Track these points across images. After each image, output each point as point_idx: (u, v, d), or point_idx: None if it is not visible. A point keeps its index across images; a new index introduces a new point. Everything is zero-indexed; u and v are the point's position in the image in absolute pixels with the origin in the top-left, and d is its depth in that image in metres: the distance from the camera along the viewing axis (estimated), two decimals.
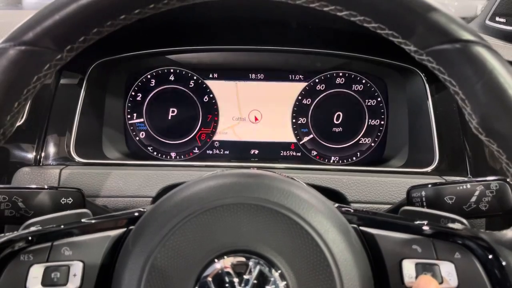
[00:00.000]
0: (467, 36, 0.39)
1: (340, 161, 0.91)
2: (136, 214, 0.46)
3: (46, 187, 0.57)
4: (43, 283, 0.41)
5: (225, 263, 0.40)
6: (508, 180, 0.54)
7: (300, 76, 0.90)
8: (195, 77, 0.90)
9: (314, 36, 0.85)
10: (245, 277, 0.40)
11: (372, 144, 0.91)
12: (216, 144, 0.92)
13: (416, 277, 0.42)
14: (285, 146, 0.92)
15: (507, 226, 0.45)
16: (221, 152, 0.92)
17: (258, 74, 0.90)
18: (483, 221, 0.68)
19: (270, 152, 0.92)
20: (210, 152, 0.92)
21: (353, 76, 0.90)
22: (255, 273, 0.39)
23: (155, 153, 0.91)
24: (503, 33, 1.07)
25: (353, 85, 0.90)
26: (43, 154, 0.80)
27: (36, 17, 0.40)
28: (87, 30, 0.41)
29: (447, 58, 0.40)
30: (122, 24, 0.41)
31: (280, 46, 0.87)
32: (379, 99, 0.90)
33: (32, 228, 0.45)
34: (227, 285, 0.39)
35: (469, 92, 0.40)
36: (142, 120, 0.91)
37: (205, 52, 0.89)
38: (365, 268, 0.42)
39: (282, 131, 0.91)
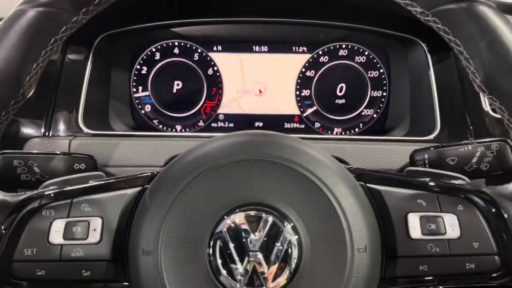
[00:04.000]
0: None
1: (343, 133, 0.93)
2: (151, 174, 0.47)
3: (59, 152, 0.59)
4: (64, 237, 0.43)
5: (239, 216, 0.41)
6: (508, 141, 0.55)
7: (304, 48, 0.91)
8: (199, 50, 0.91)
9: (317, 8, 0.86)
10: (259, 230, 0.41)
11: (375, 115, 0.92)
12: (221, 117, 0.93)
13: (421, 228, 0.44)
14: (289, 118, 0.93)
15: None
16: (226, 125, 0.93)
17: (262, 47, 0.90)
18: (482, 182, 0.70)
19: (274, 124, 0.93)
20: (215, 125, 0.93)
21: (356, 47, 0.91)
22: (268, 225, 0.41)
23: (160, 126, 0.93)
24: (504, 6, 1.08)
25: (356, 57, 0.91)
26: (51, 127, 0.81)
27: None
28: None
29: (453, 17, 0.42)
30: None
31: (284, 18, 0.87)
32: (381, 70, 0.91)
33: (51, 187, 0.47)
34: (241, 237, 0.41)
35: (473, 51, 0.42)
36: (147, 93, 0.92)
37: (209, 24, 0.89)
38: (372, 221, 0.44)
39: (286, 104, 0.92)
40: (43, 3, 0.40)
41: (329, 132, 0.93)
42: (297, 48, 0.91)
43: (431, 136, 0.81)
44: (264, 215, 0.41)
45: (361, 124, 0.92)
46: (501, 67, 0.40)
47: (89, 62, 0.84)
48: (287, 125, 0.93)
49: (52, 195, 0.44)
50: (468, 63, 0.42)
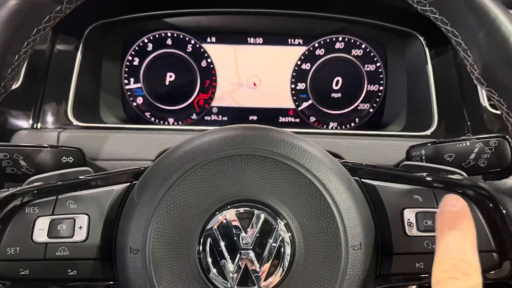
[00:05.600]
0: None
1: (339, 127, 0.91)
2: (141, 169, 0.46)
3: (46, 145, 0.57)
4: (49, 235, 0.42)
5: (230, 213, 0.40)
6: (507, 137, 0.54)
7: (300, 40, 0.89)
8: (192, 41, 0.89)
9: None
10: (250, 227, 0.40)
11: (371, 110, 0.91)
12: (214, 110, 0.91)
13: (417, 225, 0.43)
14: (284, 112, 0.91)
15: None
16: (219, 118, 0.92)
17: (257, 38, 0.89)
18: (480, 178, 0.69)
19: (268, 118, 0.91)
20: (208, 118, 0.92)
21: (352, 40, 0.89)
22: (260, 222, 0.40)
23: (152, 118, 0.91)
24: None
25: (353, 50, 0.89)
26: (40, 119, 0.79)
27: None
28: None
29: (450, 7, 0.40)
30: None
31: (279, 9, 0.86)
32: (378, 64, 0.90)
33: (36, 184, 0.45)
34: (232, 235, 0.40)
35: (471, 42, 0.40)
36: (139, 85, 0.90)
37: (203, 15, 0.87)
38: (367, 217, 0.43)
39: (280, 97, 0.91)
40: None
41: (325, 126, 0.91)
42: (292, 40, 0.89)
43: (428, 132, 0.79)
44: (256, 211, 0.40)
45: (357, 119, 0.91)
46: (500, 58, 0.39)
47: (79, 53, 0.82)
48: (282, 119, 0.92)
49: (35, 192, 0.42)
50: (466, 54, 0.41)
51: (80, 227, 0.42)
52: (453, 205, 0.36)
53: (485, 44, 0.39)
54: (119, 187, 0.45)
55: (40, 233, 0.42)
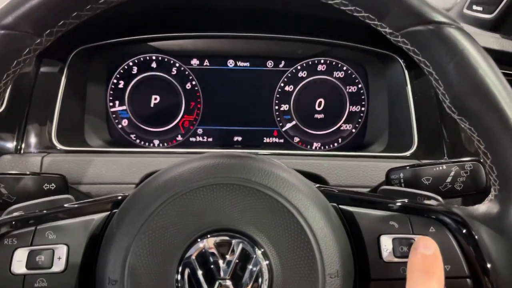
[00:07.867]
0: (439, 18, 0.40)
1: (322, 147, 0.92)
2: (120, 197, 0.46)
3: (28, 172, 0.57)
4: (27, 267, 0.41)
5: (208, 242, 0.41)
6: (481, 160, 0.56)
7: (283, 63, 0.90)
8: (177, 64, 0.90)
9: (296, 23, 0.86)
10: (228, 256, 0.41)
11: (353, 130, 0.92)
12: (199, 131, 0.92)
13: (393, 251, 0.43)
14: (268, 133, 0.93)
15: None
16: (205, 140, 0.92)
17: (241, 61, 0.90)
18: (459, 201, 0.70)
19: (253, 139, 0.92)
20: (194, 139, 0.92)
21: (334, 63, 0.91)
22: (238, 251, 0.40)
23: (138, 140, 0.91)
24: (479, 21, 1.10)
25: (334, 72, 0.91)
26: (24, 143, 0.79)
27: (15, 1, 0.39)
28: (66, 14, 0.41)
29: (421, 39, 0.42)
30: (103, 8, 0.41)
31: (263, 33, 0.87)
32: (359, 85, 0.92)
33: (15, 214, 0.45)
34: (210, 264, 0.40)
35: (442, 72, 0.42)
36: (124, 107, 0.90)
37: (187, 39, 0.88)
38: (345, 244, 0.43)
39: (265, 118, 0.92)
40: (4, 25, 0.39)
41: (308, 146, 0.92)
42: (276, 63, 0.91)
43: (408, 153, 0.81)
44: (234, 241, 0.41)
45: (340, 139, 0.92)
46: (469, 88, 0.41)
47: (63, 76, 0.82)
48: (266, 140, 0.93)
49: (13, 223, 0.42)
50: (437, 84, 0.42)
51: (59, 258, 0.42)
52: (426, 248, 0.38)
53: (455, 75, 0.41)
54: (99, 216, 0.45)
55: (19, 264, 0.41)
